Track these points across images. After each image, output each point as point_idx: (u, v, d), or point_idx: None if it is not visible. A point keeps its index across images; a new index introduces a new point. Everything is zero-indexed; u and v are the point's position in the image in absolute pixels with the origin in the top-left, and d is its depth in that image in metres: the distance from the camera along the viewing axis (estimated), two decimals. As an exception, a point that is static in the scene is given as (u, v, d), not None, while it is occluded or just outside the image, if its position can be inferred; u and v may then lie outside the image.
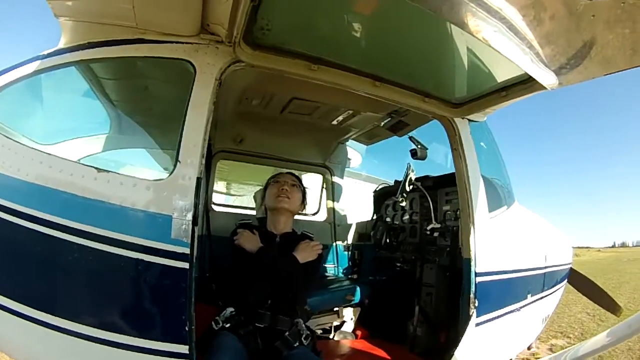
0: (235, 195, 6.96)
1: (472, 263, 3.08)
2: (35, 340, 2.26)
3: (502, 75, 2.90)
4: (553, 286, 4.45)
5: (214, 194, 5.09)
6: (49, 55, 2.58)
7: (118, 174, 2.27)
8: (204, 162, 2.33)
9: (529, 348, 4.65)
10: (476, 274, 3.08)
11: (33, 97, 2.98)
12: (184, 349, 2.19)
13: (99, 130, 3.79)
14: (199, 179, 2.27)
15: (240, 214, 5.06)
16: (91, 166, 2.28)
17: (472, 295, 3.06)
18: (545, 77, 2.01)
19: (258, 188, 4.79)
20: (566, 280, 5.00)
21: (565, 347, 7.36)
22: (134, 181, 2.24)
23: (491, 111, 3.41)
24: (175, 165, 2.27)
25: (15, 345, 2.40)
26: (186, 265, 2.18)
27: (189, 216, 2.21)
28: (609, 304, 5.55)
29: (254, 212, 4.74)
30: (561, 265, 4.69)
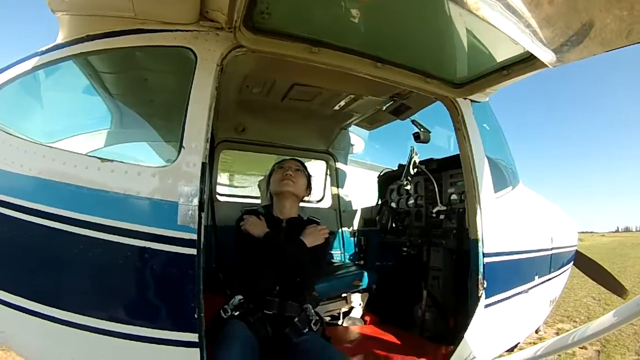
0: (240, 186, 6.94)
1: (480, 244, 3.06)
2: (45, 336, 2.27)
3: (503, 54, 2.87)
4: (559, 268, 4.44)
5: (218, 185, 5.10)
6: (48, 50, 2.57)
7: (122, 162, 2.25)
8: (208, 147, 2.31)
9: (536, 332, 4.65)
10: (484, 255, 3.07)
11: (33, 94, 2.98)
12: (193, 337, 2.18)
13: (101, 123, 3.80)
14: (204, 164, 2.25)
15: (245, 203, 5.04)
16: (94, 156, 2.27)
17: (480, 276, 3.04)
18: (546, 54, 2.00)
19: (262, 177, 4.78)
20: (572, 262, 5.00)
21: (572, 331, 7.40)
22: (138, 169, 2.23)
23: (493, 91, 3.39)
24: (179, 152, 2.25)
25: (23, 343, 2.42)
26: (194, 251, 2.17)
27: (195, 202, 2.19)
28: (616, 287, 5.56)
29: (259, 201, 4.73)
30: (567, 247, 4.68)
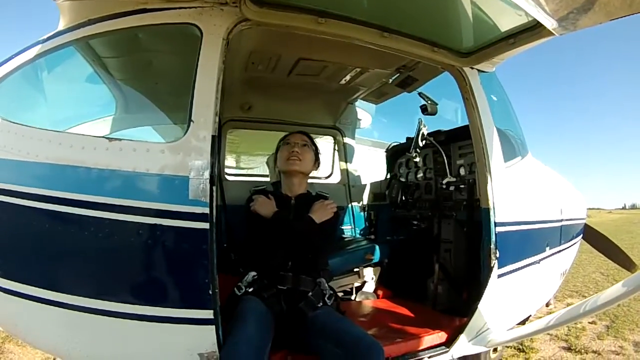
0: (248, 165, 6.94)
1: (492, 213, 3.05)
2: (59, 325, 2.29)
3: (509, 23, 2.83)
4: (570, 240, 4.44)
5: (226, 165, 5.10)
6: (49, 38, 2.54)
7: (130, 140, 2.24)
8: (217, 120, 2.29)
9: (547, 305, 4.66)
10: (496, 224, 3.06)
11: (37, 83, 2.95)
12: (208, 314, 2.19)
13: (108, 106, 3.79)
14: (214, 137, 2.24)
15: (255, 181, 5.04)
16: (102, 137, 2.27)
17: (492, 246, 3.03)
18: (551, 22, 2.00)
19: (270, 155, 4.75)
20: (581, 236, 5.00)
21: (582, 306, 7.49)
22: (147, 146, 2.22)
23: (499, 61, 3.34)
24: (188, 126, 2.23)
25: (37, 333, 2.40)
26: (206, 225, 2.17)
27: (206, 175, 2.19)
28: (625, 261, 5.56)
29: (268, 179, 4.73)
30: (576, 219, 4.67)
